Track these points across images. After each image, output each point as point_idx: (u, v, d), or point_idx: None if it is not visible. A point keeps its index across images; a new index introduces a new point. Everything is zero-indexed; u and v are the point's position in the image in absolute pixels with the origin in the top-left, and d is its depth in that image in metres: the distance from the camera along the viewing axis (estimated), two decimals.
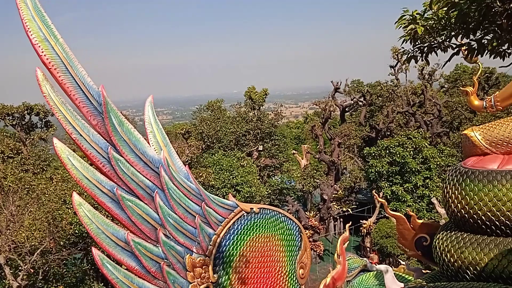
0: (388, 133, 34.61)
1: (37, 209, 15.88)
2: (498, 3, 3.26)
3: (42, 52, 3.04)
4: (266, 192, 27.43)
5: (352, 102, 38.11)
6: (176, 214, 3.90)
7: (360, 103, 38.41)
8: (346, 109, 38.29)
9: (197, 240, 4.02)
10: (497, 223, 5.72)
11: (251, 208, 5.72)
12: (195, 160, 25.45)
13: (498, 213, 5.69)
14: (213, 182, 23.62)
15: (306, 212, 31.43)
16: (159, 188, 3.77)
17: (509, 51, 3.68)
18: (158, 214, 3.73)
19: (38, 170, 24.25)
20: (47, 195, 16.63)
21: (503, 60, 3.65)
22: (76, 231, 16.59)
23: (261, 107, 34.85)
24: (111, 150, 3.42)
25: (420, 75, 34.77)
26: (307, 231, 27.70)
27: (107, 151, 3.40)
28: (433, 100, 32.99)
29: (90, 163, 3.39)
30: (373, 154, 28.11)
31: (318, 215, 30.34)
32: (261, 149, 32.99)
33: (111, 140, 3.43)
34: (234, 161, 26.16)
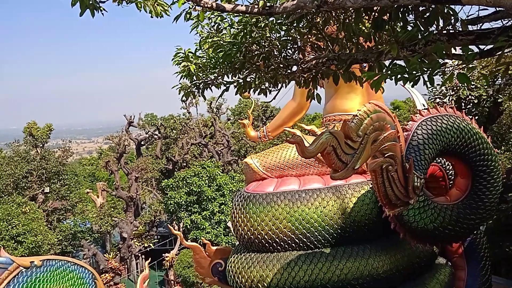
0: (184, 164, 35.66)
1: None
2: (256, 46, 3.69)
3: None
4: (56, 239, 24.43)
5: (147, 135, 38.00)
6: None
7: (156, 136, 38.62)
8: (142, 143, 37.91)
9: None
10: (277, 240, 6.40)
11: (31, 262, 4.96)
12: None
13: (277, 231, 6.37)
14: None
15: (105, 254, 29.34)
16: None
17: (270, 88, 4.17)
18: None
19: None
20: None
21: (266, 96, 4.13)
22: None
23: (45, 144, 31.32)
24: None
25: (209, 109, 37.26)
26: (106, 275, 25.75)
27: None
28: (222, 132, 35.71)
29: None
30: (171, 185, 28.42)
31: (119, 255, 28.67)
32: (48, 191, 29.41)
33: None
34: (13, 208, 22.51)
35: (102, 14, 2.94)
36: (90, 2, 2.78)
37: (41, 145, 30.97)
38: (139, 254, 30.19)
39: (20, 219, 22.04)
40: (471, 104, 11.73)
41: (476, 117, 11.13)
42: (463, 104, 11.79)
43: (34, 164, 29.26)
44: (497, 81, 11.43)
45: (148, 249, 30.05)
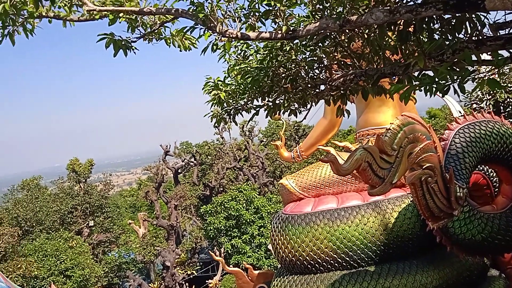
0: (221, 189, 35.93)
1: None
2: (283, 69, 3.75)
3: None
4: (102, 272, 24.99)
5: (184, 163, 38.65)
6: None
7: (192, 164, 39.22)
8: (179, 171, 38.55)
9: None
10: (319, 260, 6.30)
11: None
12: (10, 250, 21.79)
13: (318, 251, 6.28)
14: (36, 272, 20.46)
15: (150, 284, 29.67)
16: None
17: (299, 108, 4.21)
18: None
19: None
20: None
21: (296, 116, 4.17)
22: None
23: (87, 179, 32.45)
24: None
25: (241, 132, 37.63)
26: None
27: None
28: (256, 154, 35.88)
29: None
30: (210, 211, 28.60)
31: (163, 284, 28.90)
32: (92, 224, 30.29)
33: None
34: (60, 244, 23.30)
35: (134, 53, 3.10)
36: (123, 43, 2.94)
37: (84, 180, 32.12)
38: (183, 282, 30.30)
39: (68, 254, 22.76)
40: (510, 107, 11.30)
41: None
42: (501, 107, 11.38)
43: (78, 199, 30.33)
44: None
45: (191, 276, 30.16)
